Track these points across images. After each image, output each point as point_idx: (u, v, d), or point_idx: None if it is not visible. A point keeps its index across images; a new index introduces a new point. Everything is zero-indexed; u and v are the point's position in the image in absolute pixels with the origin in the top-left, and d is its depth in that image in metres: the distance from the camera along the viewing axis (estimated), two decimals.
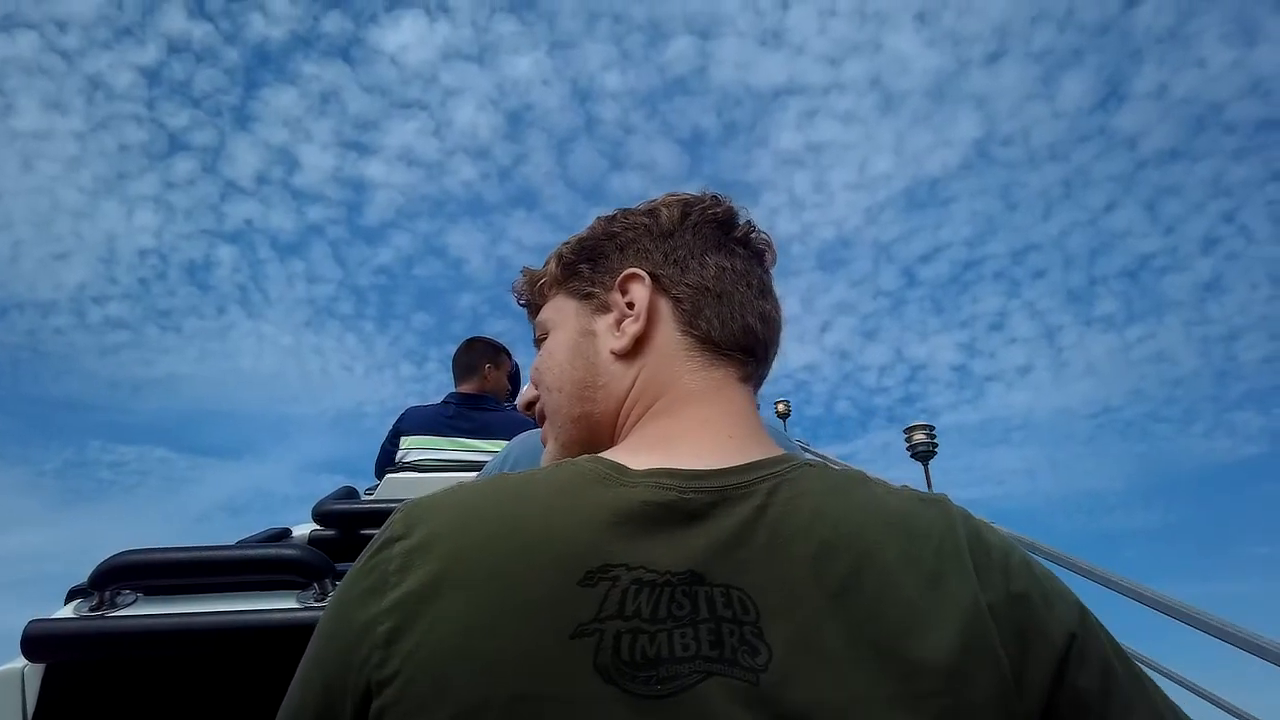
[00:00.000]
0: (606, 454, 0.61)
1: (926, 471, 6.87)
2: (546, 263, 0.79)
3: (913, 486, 0.61)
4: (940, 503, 0.60)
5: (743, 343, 0.70)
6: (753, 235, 0.75)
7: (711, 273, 0.70)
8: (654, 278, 0.70)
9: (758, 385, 0.73)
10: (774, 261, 0.76)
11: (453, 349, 3.06)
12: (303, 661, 0.55)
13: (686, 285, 0.70)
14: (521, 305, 0.84)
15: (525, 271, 0.82)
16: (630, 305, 0.70)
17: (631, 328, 0.69)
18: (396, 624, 0.49)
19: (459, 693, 0.47)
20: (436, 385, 3.01)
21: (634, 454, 0.60)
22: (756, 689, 0.47)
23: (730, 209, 0.75)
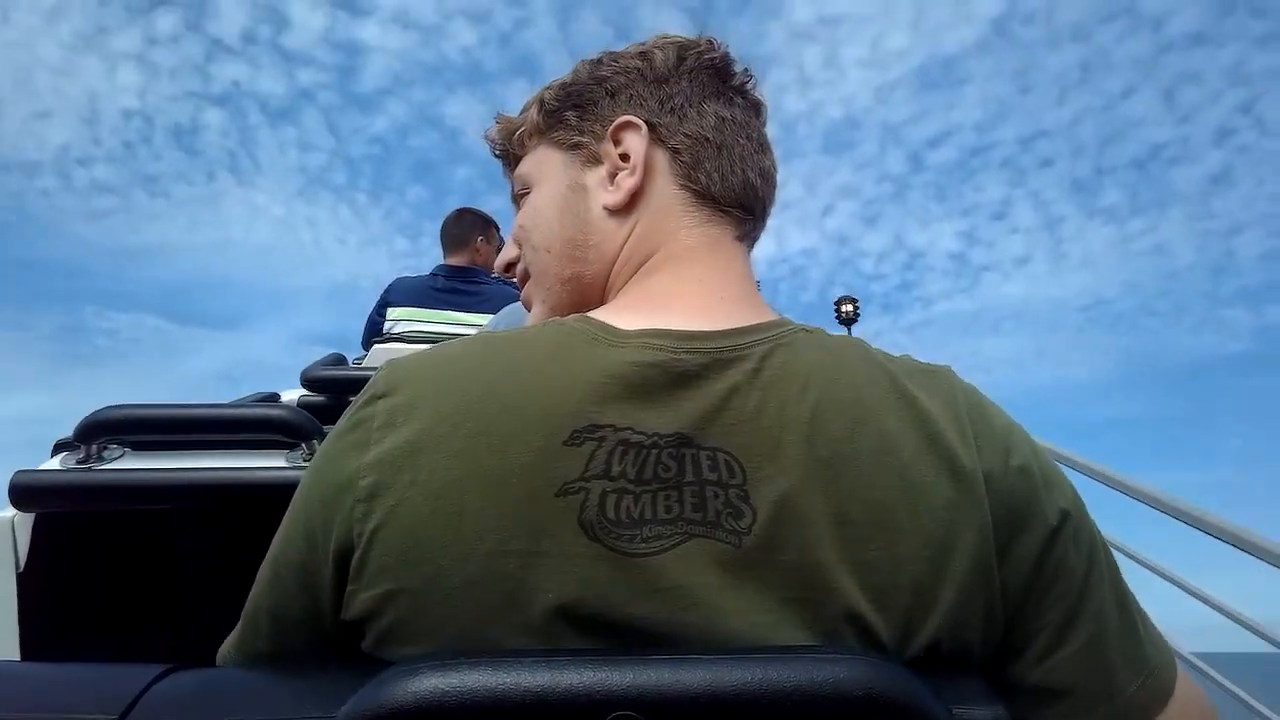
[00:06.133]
0: (595, 313, 0.59)
1: None
2: (525, 109, 0.73)
3: (913, 356, 0.60)
4: (942, 373, 0.58)
5: (742, 198, 0.67)
6: (749, 84, 0.71)
7: (711, 123, 0.66)
8: (650, 127, 0.66)
9: (752, 245, 0.70)
10: (768, 116, 0.73)
11: None
12: (288, 512, 0.55)
13: (685, 135, 0.66)
14: (496, 156, 0.78)
15: (500, 119, 0.76)
16: (625, 157, 0.66)
17: (627, 182, 0.65)
18: (379, 479, 0.49)
19: (440, 548, 0.47)
20: (431, 260, 2.97)
21: (624, 313, 0.58)
22: (739, 551, 0.47)
23: (726, 54, 0.70)
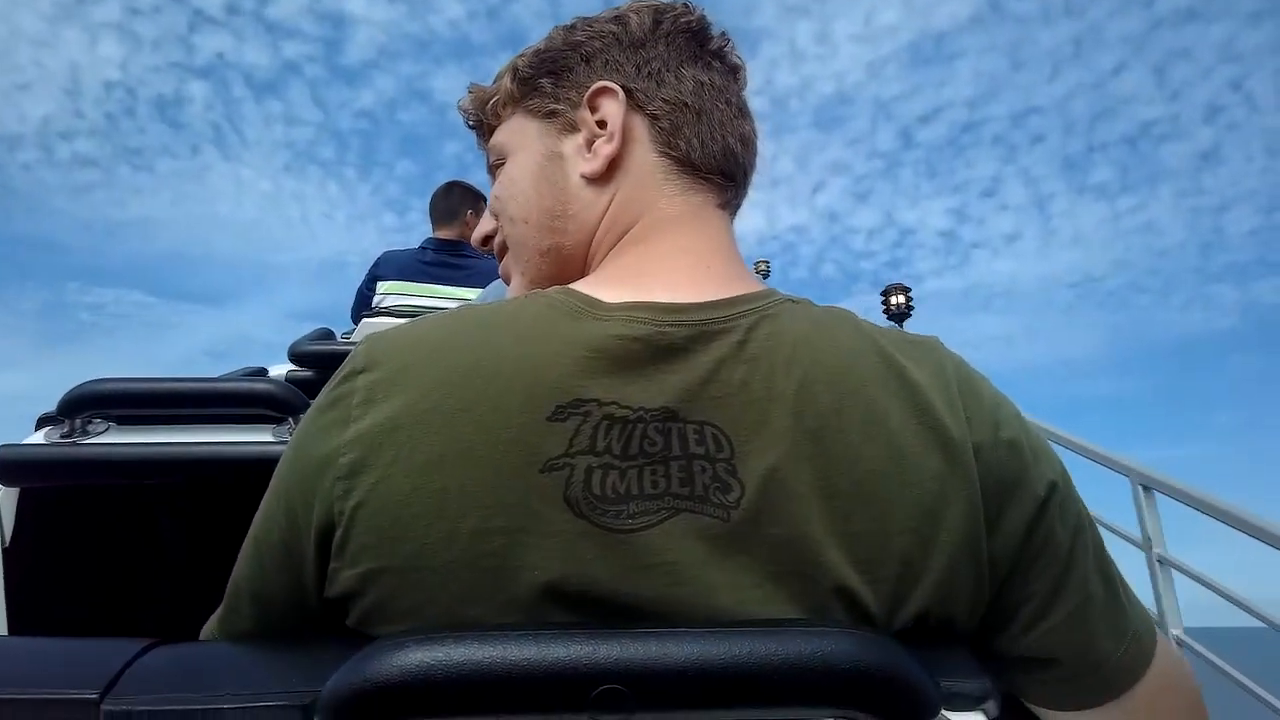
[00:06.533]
0: (577, 285, 0.58)
1: None
2: (499, 78, 0.71)
3: (900, 328, 0.59)
4: (930, 344, 0.58)
5: (723, 165, 0.65)
6: (727, 48, 0.69)
7: (689, 87, 0.65)
8: (627, 92, 0.64)
9: (734, 213, 0.69)
10: (746, 81, 0.70)
11: None
12: (268, 490, 0.54)
13: (663, 101, 0.64)
14: (470, 127, 0.76)
15: (473, 89, 0.74)
16: (602, 124, 0.64)
17: (605, 148, 0.63)
18: (360, 456, 0.48)
19: (423, 526, 0.46)
20: (419, 236, 2.95)
21: (607, 285, 0.56)
22: (727, 525, 0.47)
23: (703, 17, 0.68)
